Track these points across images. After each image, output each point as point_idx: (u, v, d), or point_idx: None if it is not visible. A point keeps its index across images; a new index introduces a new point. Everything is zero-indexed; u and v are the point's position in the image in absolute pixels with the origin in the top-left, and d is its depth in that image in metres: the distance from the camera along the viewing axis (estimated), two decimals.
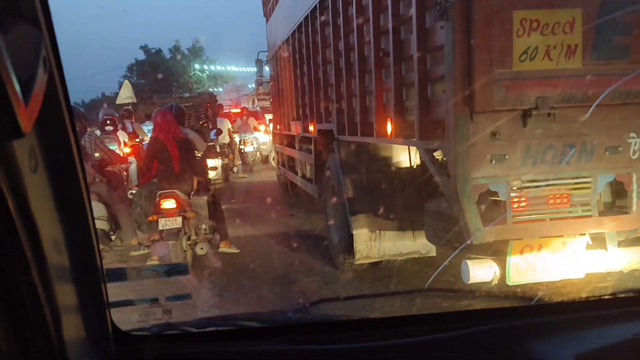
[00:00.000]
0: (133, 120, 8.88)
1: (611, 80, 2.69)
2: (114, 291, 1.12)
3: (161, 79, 34.07)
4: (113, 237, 5.99)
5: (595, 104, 2.66)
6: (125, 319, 1.36)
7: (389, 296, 3.27)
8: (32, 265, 0.72)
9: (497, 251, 2.97)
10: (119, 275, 1.24)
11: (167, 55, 36.42)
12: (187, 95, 11.91)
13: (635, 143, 2.79)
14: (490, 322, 1.20)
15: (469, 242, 2.76)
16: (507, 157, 2.71)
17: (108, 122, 7.14)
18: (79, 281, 0.87)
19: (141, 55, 36.16)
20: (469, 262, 2.94)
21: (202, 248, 5.35)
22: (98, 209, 5.67)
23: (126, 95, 11.45)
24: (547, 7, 2.61)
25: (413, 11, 3.18)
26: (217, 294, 4.65)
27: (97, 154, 6.14)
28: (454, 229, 2.96)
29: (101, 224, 5.73)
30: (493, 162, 2.71)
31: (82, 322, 0.90)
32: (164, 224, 5.04)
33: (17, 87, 0.56)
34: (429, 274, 4.26)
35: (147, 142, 8.36)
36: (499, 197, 2.77)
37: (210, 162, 7.88)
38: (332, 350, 1.22)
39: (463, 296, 3.00)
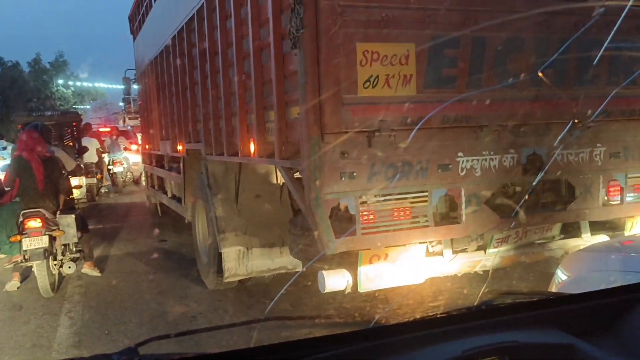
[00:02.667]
0: None
1: (441, 106, 3.07)
2: None
3: (19, 94, 31.36)
4: None
5: (417, 127, 2.98)
6: None
7: (225, 328, 3.19)
8: None
9: (351, 262, 3.21)
10: None
11: (26, 69, 33.63)
12: (49, 113, 11.23)
13: (463, 162, 3.20)
14: (329, 349, 1.17)
15: (322, 254, 2.96)
16: (355, 174, 2.96)
17: None
18: None
19: None
20: (324, 272, 3.14)
21: (69, 267, 5.23)
22: None
23: None
24: (386, 40, 2.93)
25: (271, 39, 3.38)
26: (75, 333, 4.37)
27: None
28: (311, 242, 3.15)
29: None
30: (343, 178, 2.95)
31: None
32: (29, 244, 4.84)
33: None
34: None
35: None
36: (349, 211, 3.01)
37: (74, 181, 7.56)
38: None
39: (303, 324, 3.00)
